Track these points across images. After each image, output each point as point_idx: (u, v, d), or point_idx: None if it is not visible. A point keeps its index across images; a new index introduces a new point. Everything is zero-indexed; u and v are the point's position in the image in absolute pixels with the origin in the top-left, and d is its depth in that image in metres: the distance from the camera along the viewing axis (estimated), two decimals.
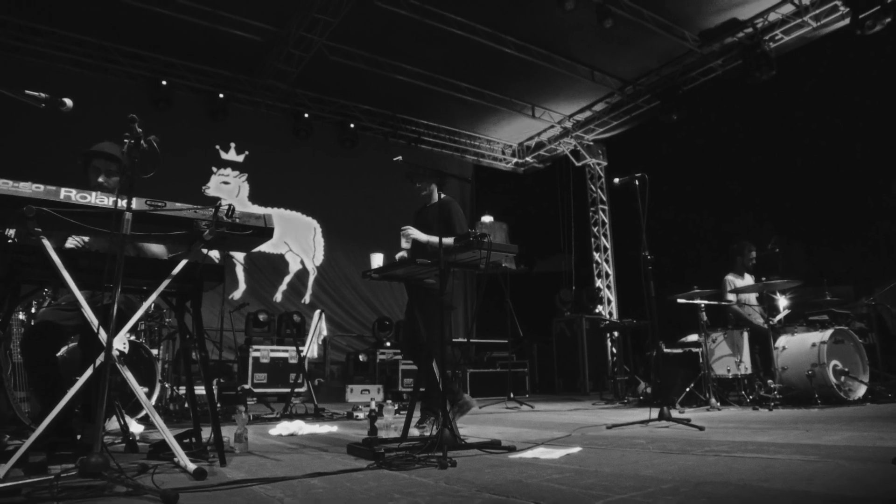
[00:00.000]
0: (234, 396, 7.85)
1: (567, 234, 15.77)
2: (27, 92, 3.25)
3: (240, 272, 13.28)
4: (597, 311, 14.73)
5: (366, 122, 14.86)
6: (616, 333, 12.75)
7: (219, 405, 6.95)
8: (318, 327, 9.30)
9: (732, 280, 8.80)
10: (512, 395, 9.85)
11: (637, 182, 6.12)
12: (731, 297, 8.68)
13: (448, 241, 4.24)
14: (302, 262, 14.26)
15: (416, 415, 5.32)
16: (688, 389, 7.75)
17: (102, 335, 3.16)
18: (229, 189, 13.49)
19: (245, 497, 2.70)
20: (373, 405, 5.48)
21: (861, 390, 7.26)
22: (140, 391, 3.38)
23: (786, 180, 11.16)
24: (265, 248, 12.83)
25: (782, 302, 8.27)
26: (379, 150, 14.86)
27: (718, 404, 7.40)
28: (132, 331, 6.23)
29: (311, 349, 9.37)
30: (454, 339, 12.35)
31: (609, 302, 15.93)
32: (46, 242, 3.25)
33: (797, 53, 11.49)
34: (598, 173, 16.61)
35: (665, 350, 8.38)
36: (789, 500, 2.35)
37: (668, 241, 11.18)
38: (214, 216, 3.57)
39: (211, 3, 10.64)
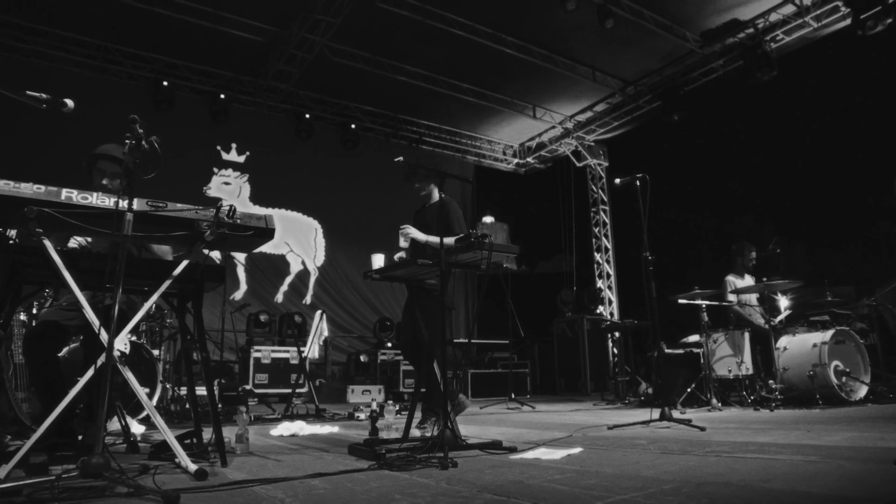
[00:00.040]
0: (235, 397, 7.85)
1: (568, 235, 15.77)
2: (28, 93, 3.25)
3: (241, 273, 13.29)
4: (598, 311, 14.72)
5: (367, 122, 14.87)
6: (617, 334, 12.75)
7: (220, 406, 6.96)
8: (320, 328, 9.30)
9: (733, 281, 8.80)
10: (513, 396, 9.86)
11: (638, 182, 6.12)
12: (732, 297, 8.68)
13: (448, 241, 4.23)
14: (303, 263, 14.26)
15: (417, 415, 5.32)
16: (689, 390, 7.75)
17: (104, 335, 3.16)
18: (230, 190, 13.49)
19: (246, 498, 2.70)
20: (374, 406, 5.49)
21: (862, 391, 7.26)
22: (141, 392, 3.38)
23: (787, 181, 11.16)
24: (266, 248, 12.85)
25: (783, 302, 8.26)
26: (380, 151, 14.86)
27: (720, 405, 7.40)
28: (133, 331, 6.26)
29: (313, 350, 9.37)
30: (455, 340, 12.38)
31: (610, 302, 15.93)
32: (47, 243, 3.25)
33: (798, 54, 11.49)
34: (599, 174, 16.61)
35: (666, 350, 8.38)
36: (790, 500, 2.35)
37: (670, 242, 11.18)
38: (215, 217, 3.57)
39: (213, 3, 10.65)
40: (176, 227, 3.58)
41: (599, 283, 15.98)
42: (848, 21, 10.45)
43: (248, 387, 10.18)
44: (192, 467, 3.10)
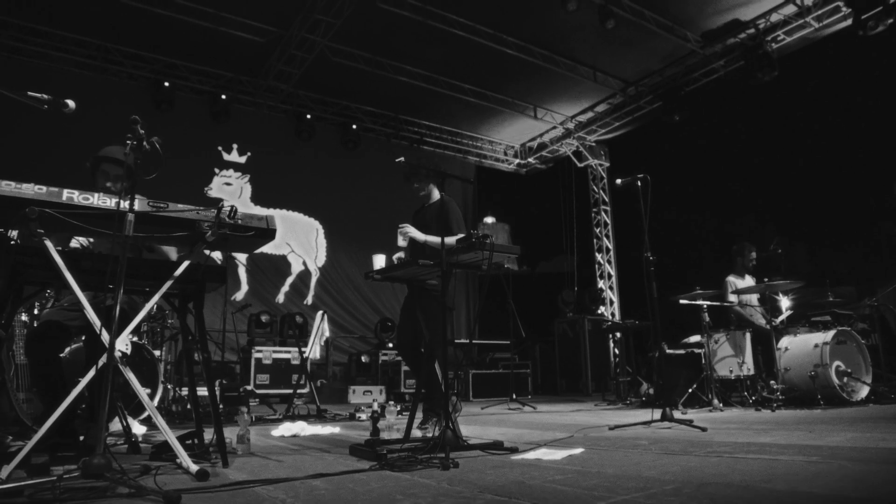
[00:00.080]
0: (236, 397, 7.85)
1: (569, 235, 15.77)
2: (30, 94, 3.25)
3: (242, 273, 13.29)
4: (599, 311, 14.72)
5: (368, 123, 14.87)
6: (618, 334, 12.74)
7: (221, 406, 6.97)
8: (321, 328, 9.29)
9: (733, 281, 8.80)
10: (514, 396, 9.85)
11: (639, 183, 6.12)
12: (733, 298, 8.68)
13: (448, 240, 4.23)
14: (304, 263, 14.27)
15: (419, 416, 5.32)
16: (690, 390, 7.74)
17: (105, 336, 3.16)
18: (231, 190, 13.50)
19: (247, 498, 2.70)
20: (375, 406, 5.49)
21: (864, 391, 7.25)
22: (142, 392, 3.38)
23: (788, 181, 11.15)
24: (267, 249, 12.85)
25: (785, 303, 8.26)
26: (381, 152, 14.87)
27: (721, 405, 7.39)
28: (135, 332, 6.27)
29: (314, 350, 9.36)
30: (456, 340, 12.38)
31: (611, 303, 15.92)
32: (49, 244, 3.25)
33: (799, 54, 11.49)
34: (601, 174, 16.61)
35: (667, 351, 8.38)
36: (792, 500, 2.35)
37: (671, 242, 11.17)
38: (217, 217, 3.58)
39: (213, 4, 10.65)
40: (177, 227, 3.58)
41: (600, 284, 15.97)
42: (849, 21, 10.45)
43: (249, 387, 10.19)
44: (194, 468, 3.10)
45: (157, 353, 7.17)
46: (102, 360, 3.04)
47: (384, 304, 14.65)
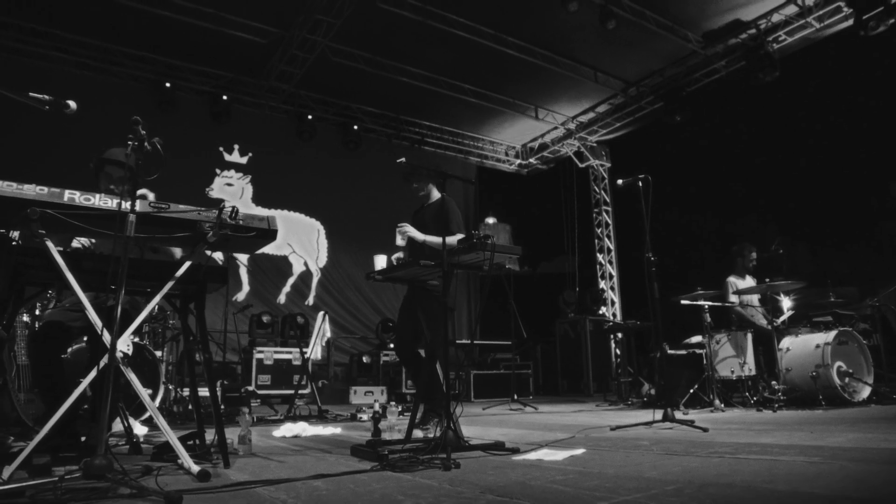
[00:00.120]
0: (237, 398, 7.86)
1: (570, 236, 15.78)
2: (31, 94, 3.25)
3: (243, 274, 13.29)
4: (600, 312, 14.70)
5: (369, 123, 14.87)
6: (620, 335, 12.72)
7: (222, 407, 6.98)
8: (322, 329, 9.29)
9: (734, 282, 8.80)
10: (515, 397, 9.86)
11: (640, 183, 6.12)
12: (734, 298, 8.68)
13: (448, 240, 4.23)
14: (305, 264, 14.27)
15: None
16: (691, 391, 7.74)
17: (106, 337, 3.17)
18: (233, 191, 13.50)
19: (248, 499, 2.70)
20: (376, 407, 5.49)
21: (865, 392, 7.25)
22: (144, 393, 3.38)
23: (790, 181, 11.15)
24: (269, 249, 12.78)
25: (786, 303, 8.26)
26: (382, 152, 14.88)
27: (722, 406, 7.39)
28: (136, 333, 6.27)
29: (315, 351, 9.36)
30: (457, 341, 12.37)
31: (613, 303, 15.92)
32: (50, 244, 3.25)
33: (801, 54, 11.48)
34: (602, 175, 16.61)
35: (669, 351, 8.38)
36: (794, 501, 2.35)
37: (672, 243, 11.18)
38: (218, 218, 3.58)
39: (214, 5, 10.66)
40: (178, 228, 3.58)
41: (602, 284, 15.97)
42: (850, 21, 10.43)
43: (250, 388, 10.19)
44: (195, 468, 3.10)
45: (158, 353, 7.17)
46: (104, 361, 3.04)
47: (385, 305, 14.65)
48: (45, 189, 3.25)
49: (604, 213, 16.42)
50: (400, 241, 5.41)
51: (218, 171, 13.47)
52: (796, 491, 2.48)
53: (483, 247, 4.01)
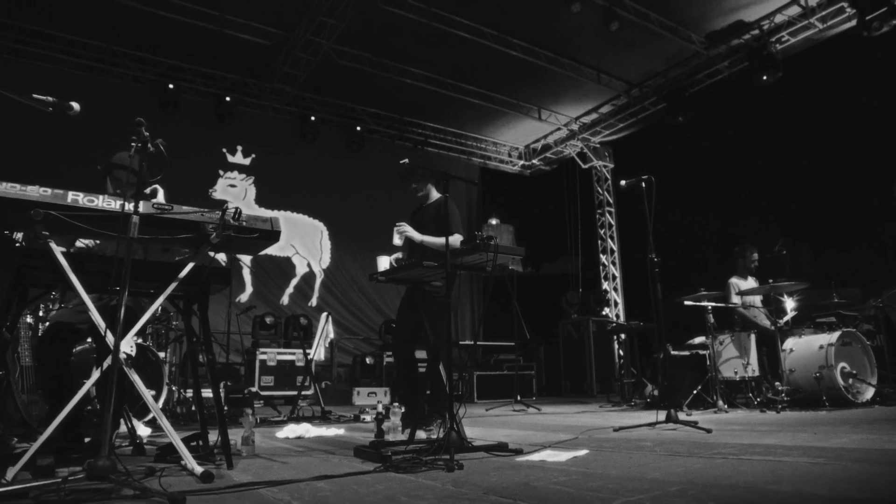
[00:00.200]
0: (241, 399, 7.86)
1: (574, 237, 15.78)
2: (35, 96, 3.25)
3: (247, 275, 13.30)
4: (603, 313, 14.71)
5: (372, 125, 14.88)
6: (623, 336, 12.72)
7: (226, 408, 6.98)
8: (325, 330, 9.30)
9: (736, 283, 8.80)
10: (519, 398, 9.85)
11: (643, 184, 6.12)
12: (736, 299, 8.67)
13: (445, 240, 4.24)
14: (309, 265, 14.27)
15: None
16: (695, 392, 7.73)
17: (110, 338, 3.17)
18: (236, 192, 13.51)
19: (252, 500, 2.70)
20: (379, 408, 5.49)
21: (869, 393, 7.23)
22: (147, 394, 3.39)
23: (792, 182, 11.14)
24: (272, 250, 12.82)
25: (789, 304, 8.25)
26: (385, 153, 14.90)
27: (726, 407, 7.38)
28: (139, 334, 6.27)
29: (318, 352, 9.37)
30: (460, 342, 12.37)
31: (616, 304, 15.92)
32: (54, 246, 3.26)
33: (804, 55, 11.48)
34: (605, 175, 16.61)
35: (672, 352, 8.36)
36: (797, 502, 2.35)
37: (675, 244, 11.17)
38: (221, 219, 3.58)
39: (218, 7, 10.68)
40: (182, 229, 3.59)
41: (605, 285, 15.97)
42: (853, 22, 10.42)
43: (253, 389, 10.18)
44: (198, 469, 3.11)
45: (161, 354, 7.18)
46: (107, 362, 3.05)
47: (388, 306, 14.64)
48: (49, 190, 3.26)
49: (607, 214, 16.42)
50: (397, 241, 5.42)
51: (221, 172, 13.49)
52: (800, 492, 2.48)
53: (486, 248, 4.01)
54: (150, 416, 5.87)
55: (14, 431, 4.79)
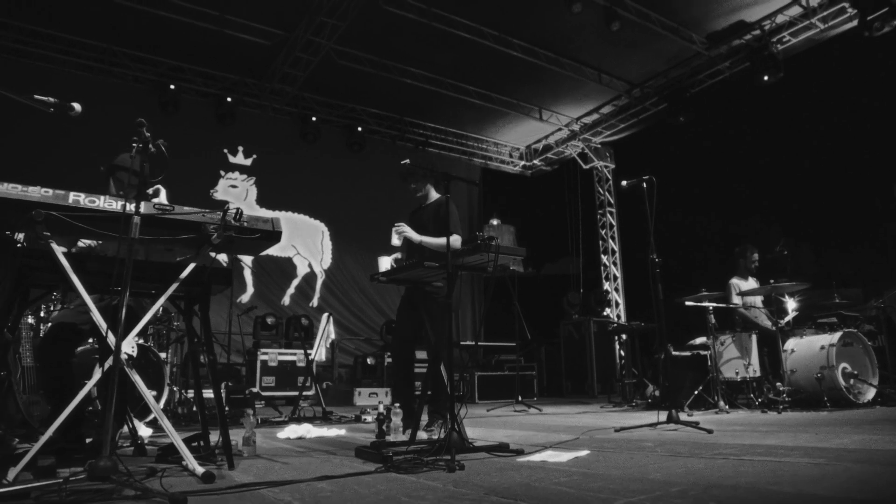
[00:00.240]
0: (242, 400, 7.86)
1: (575, 237, 15.77)
2: (36, 97, 3.26)
3: (248, 275, 13.31)
4: (605, 313, 14.72)
5: (373, 125, 14.88)
6: (624, 336, 12.72)
7: (227, 408, 6.98)
8: (326, 330, 9.30)
9: (737, 283, 8.80)
10: (520, 398, 9.84)
11: (644, 185, 6.13)
12: (737, 300, 8.67)
13: (444, 241, 4.24)
14: (310, 266, 14.27)
15: (424, 418, 5.32)
16: (696, 392, 7.72)
17: (111, 339, 3.17)
18: (237, 192, 13.51)
19: (253, 500, 2.70)
20: (381, 408, 5.49)
21: (870, 393, 7.23)
22: (148, 395, 3.39)
23: (793, 182, 11.13)
24: (273, 251, 12.87)
25: (791, 304, 8.25)
26: (386, 154, 14.90)
27: (727, 407, 7.38)
28: (141, 334, 6.28)
29: (319, 352, 9.37)
30: (461, 342, 12.37)
31: (617, 304, 15.91)
32: (55, 246, 3.26)
33: (805, 55, 11.47)
34: (606, 176, 16.61)
35: (673, 353, 8.36)
36: (798, 502, 2.35)
37: (676, 244, 11.15)
38: (222, 220, 3.58)
39: (218, 7, 10.68)
40: (183, 230, 3.59)
41: (606, 286, 15.97)
42: (855, 22, 10.42)
43: (254, 389, 10.19)
44: (200, 470, 3.11)
45: (162, 355, 7.18)
46: (108, 363, 3.05)
47: (390, 307, 14.62)
48: (50, 191, 3.26)
49: (608, 215, 16.42)
50: (396, 241, 5.42)
51: (222, 172, 13.49)
52: (801, 493, 2.48)
53: (487, 248, 4.01)
54: (151, 417, 5.87)
55: (15, 432, 4.80)
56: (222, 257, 10.08)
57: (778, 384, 7.49)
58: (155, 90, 12.24)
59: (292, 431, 5.66)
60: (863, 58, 10.51)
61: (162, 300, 3.66)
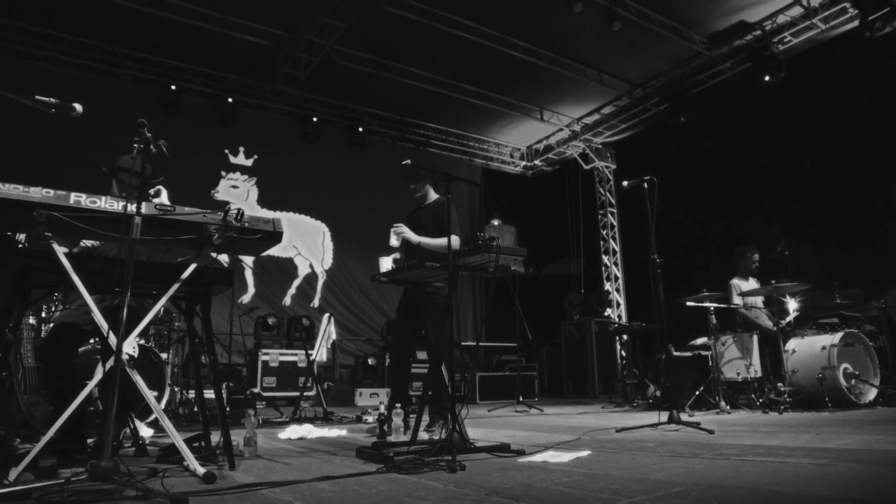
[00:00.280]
0: (243, 400, 7.86)
1: (576, 238, 15.76)
2: (38, 98, 3.26)
3: (249, 276, 13.31)
4: (606, 314, 14.71)
5: (374, 126, 14.88)
6: (625, 336, 12.72)
7: (228, 409, 6.98)
8: (327, 331, 9.29)
9: (738, 284, 8.80)
10: (521, 399, 9.83)
11: (646, 185, 6.12)
12: (738, 300, 8.67)
13: (443, 241, 4.24)
14: (311, 266, 14.27)
15: (425, 419, 5.32)
16: (697, 393, 7.72)
17: (112, 339, 3.17)
18: (238, 193, 13.51)
19: (254, 501, 2.70)
20: (382, 409, 5.49)
21: (872, 394, 7.22)
22: (150, 395, 3.39)
23: (795, 182, 11.13)
24: (274, 251, 12.88)
25: (792, 305, 8.25)
26: (387, 154, 14.88)
27: (728, 408, 7.37)
28: (142, 335, 6.28)
29: (320, 353, 9.36)
30: (462, 343, 12.37)
31: (618, 305, 15.91)
32: (56, 247, 3.26)
33: (806, 55, 11.46)
34: (607, 176, 16.61)
35: (674, 353, 8.36)
36: (799, 502, 2.34)
37: (677, 244, 11.15)
38: (224, 220, 3.58)
39: (219, 7, 10.67)
40: (184, 230, 3.59)
41: (607, 286, 15.96)
42: (856, 23, 10.41)
43: (255, 390, 10.19)
44: (201, 470, 3.11)
45: (164, 355, 7.18)
46: (109, 363, 3.05)
47: (391, 307, 14.60)
48: (52, 192, 3.26)
49: (609, 215, 16.42)
50: (394, 242, 5.42)
51: (223, 173, 13.49)
52: (802, 493, 2.48)
53: (488, 249, 4.01)
54: (152, 417, 5.87)
55: (17, 432, 4.80)
56: (223, 258, 10.12)
57: (779, 385, 7.49)
58: (156, 91, 12.24)
59: (293, 432, 5.66)
60: (864, 58, 10.51)
61: (163, 301, 3.66)
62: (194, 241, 3.64)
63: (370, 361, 12.23)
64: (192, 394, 7.39)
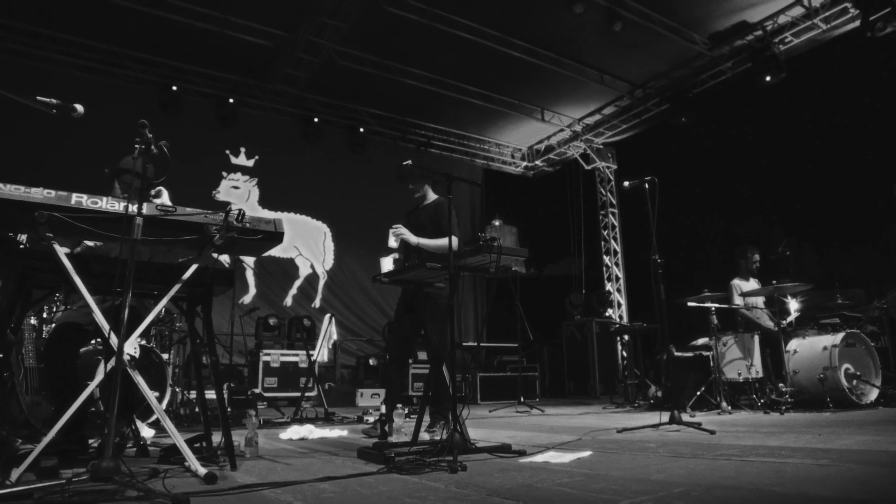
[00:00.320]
0: (244, 401, 7.86)
1: (577, 238, 15.76)
2: (39, 98, 3.26)
3: (250, 276, 13.31)
4: (607, 314, 14.71)
5: (375, 126, 14.87)
6: (626, 337, 12.71)
7: (229, 409, 6.97)
8: (329, 331, 9.31)
9: (738, 284, 8.80)
10: (522, 399, 9.84)
11: (647, 185, 6.12)
12: (739, 300, 8.67)
13: (441, 242, 4.24)
14: (312, 267, 14.27)
15: (426, 419, 5.32)
16: (698, 393, 7.72)
17: (114, 339, 3.17)
18: (239, 193, 13.51)
19: (255, 501, 2.70)
20: (383, 409, 5.49)
21: (873, 394, 7.22)
22: (151, 395, 3.39)
23: (796, 183, 11.12)
24: (275, 252, 12.89)
25: (793, 305, 8.24)
26: (388, 155, 14.89)
27: (729, 408, 7.37)
28: (143, 335, 6.28)
29: (322, 353, 9.38)
30: (463, 343, 12.36)
31: (619, 305, 15.90)
32: (58, 247, 3.26)
33: (807, 56, 11.45)
34: (608, 176, 16.60)
35: (675, 353, 8.36)
36: (800, 503, 2.34)
37: (678, 245, 11.14)
38: (225, 221, 3.58)
39: (220, 8, 10.67)
40: (185, 231, 3.59)
41: (608, 286, 15.96)
42: (857, 23, 10.41)
43: (257, 390, 10.18)
44: (202, 471, 3.11)
45: (165, 356, 7.18)
46: (111, 364, 3.05)
47: (391, 307, 14.50)
48: (53, 192, 3.26)
49: (610, 215, 16.41)
50: (393, 243, 5.43)
51: (224, 173, 13.48)
52: (803, 493, 2.48)
53: (490, 249, 4.01)
54: (153, 418, 5.87)
55: (18, 433, 4.80)
56: (224, 258, 10.13)
57: (780, 385, 7.48)
58: (156, 91, 12.24)
59: (294, 432, 5.66)
60: (865, 58, 10.51)
61: (164, 301, 3.66)
62: (195, 241, 3.64)
63: (371, 362, 12.24)
64: (193, 394, 7.39)
